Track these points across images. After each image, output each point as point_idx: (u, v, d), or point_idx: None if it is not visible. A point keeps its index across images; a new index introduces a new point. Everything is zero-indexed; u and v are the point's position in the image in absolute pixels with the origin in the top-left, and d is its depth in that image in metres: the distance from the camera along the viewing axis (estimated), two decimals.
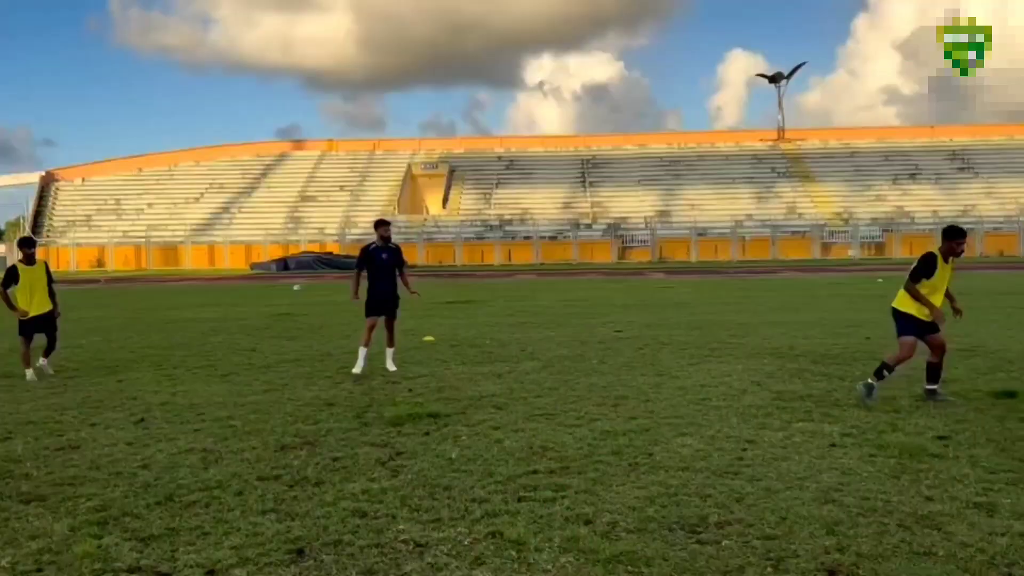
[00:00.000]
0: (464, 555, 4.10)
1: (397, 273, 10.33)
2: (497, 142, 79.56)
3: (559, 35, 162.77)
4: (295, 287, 30.62)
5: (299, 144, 79.73)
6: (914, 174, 67.33)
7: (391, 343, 10.31)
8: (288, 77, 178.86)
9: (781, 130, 75.73)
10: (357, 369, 9.79)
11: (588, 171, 71.38)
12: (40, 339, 10.41)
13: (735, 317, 16.19)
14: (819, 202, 64.27)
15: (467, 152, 76.41)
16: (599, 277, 37.92)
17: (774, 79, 77.10)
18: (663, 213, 64.04)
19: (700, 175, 69.39)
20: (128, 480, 5.53)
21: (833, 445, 6.02)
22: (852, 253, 56.53)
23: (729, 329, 13.90)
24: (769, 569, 3.83)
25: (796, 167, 69.84)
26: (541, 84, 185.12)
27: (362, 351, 9.95)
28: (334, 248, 59.40)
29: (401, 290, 10.36)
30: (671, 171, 70.63)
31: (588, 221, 63.67)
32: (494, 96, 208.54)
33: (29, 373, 10.05)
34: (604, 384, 8.75)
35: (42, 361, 10.39)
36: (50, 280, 10.60)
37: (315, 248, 59.04)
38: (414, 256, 58.98)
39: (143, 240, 62.07)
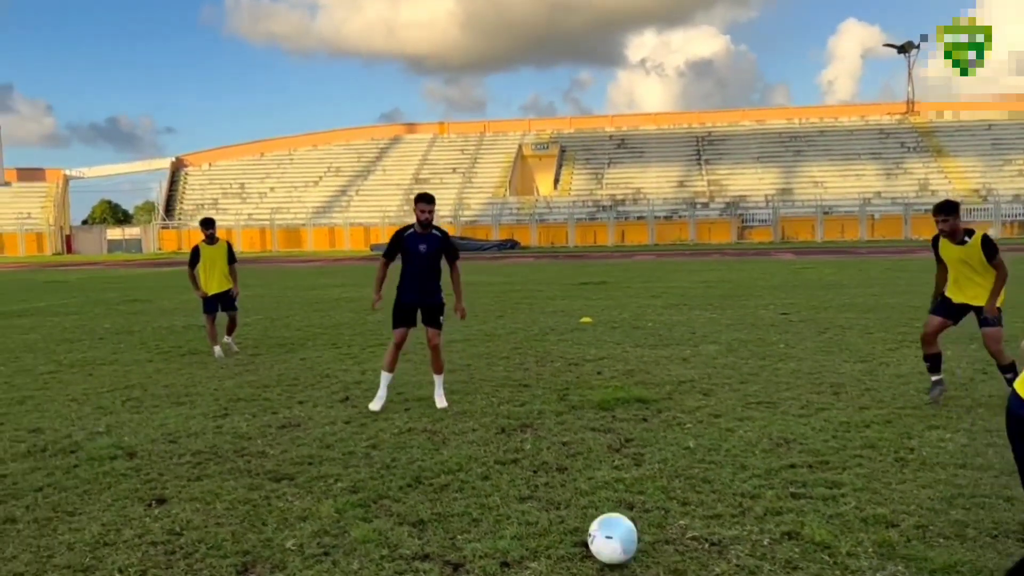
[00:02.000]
0: (770, 557, 3.77)
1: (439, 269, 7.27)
2: (607, 121, 78.34)
3: (665, 9, 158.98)
4: None
5: (411, 127, 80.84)
6: None
7: (438, 368, 7.24)
8: (391, 62, 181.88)
9: (911, 103, 71.46)
10: (375, 405, 6.97)
11: (703, 148, 69.41)
12: (223, 318, 10.72)
13: (902, 299, 15.19)
14: (954, 178, 60.40)
15: (577, 132, 75.61)
16: (723, 258, 36.79)
17: (904, 48, 72.66)
18: (784, 191, 61.61)
19: (822, 151, 66.36)
20: (365, 461, 5.48)
21: None
22: (993, 232, 52.89)
23: (903, 312, 13.01)
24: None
25: (927, 141, 65.83)
26: (643, 61, 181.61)
27: (384, 378, 7.13)
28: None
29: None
30: (791, 147, 67.82)
31: (705, 200, 61.95)
32: (595, 75, 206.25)
33: (217, 350, 10.35)
34: (808, 370, 8.24)
35: (227, 338, 10.71)
36: (231, 259, 10.87)
37: None
38: (527, 238, 58.97)
39: (267, 222, 64.42)
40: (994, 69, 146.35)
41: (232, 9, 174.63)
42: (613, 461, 5.30)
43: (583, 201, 64.03)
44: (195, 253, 10.82)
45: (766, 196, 60.84)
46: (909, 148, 65.81)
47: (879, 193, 59.35)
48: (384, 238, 58.33)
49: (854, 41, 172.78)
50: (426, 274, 7.21)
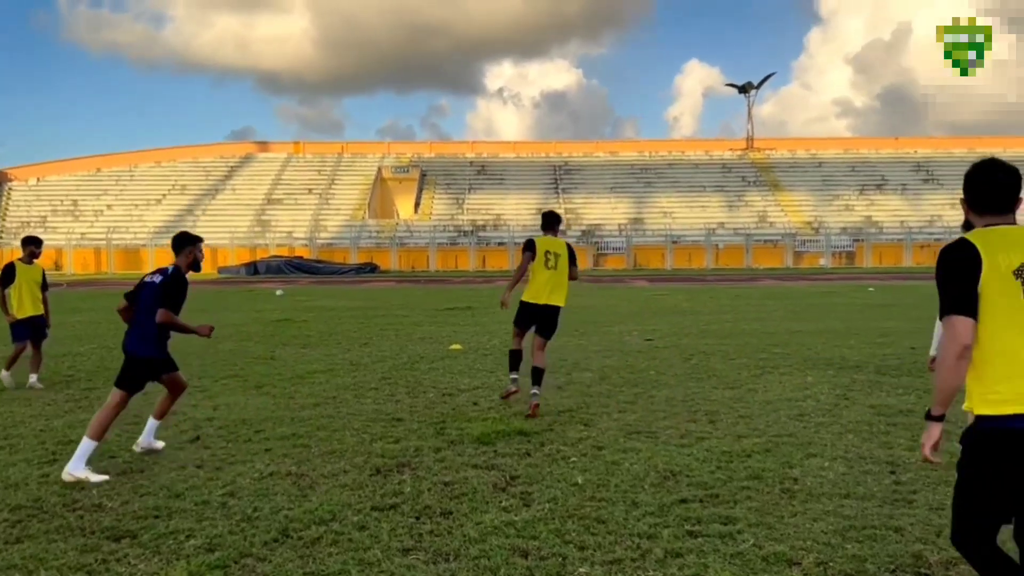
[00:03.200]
0: None
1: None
2: (468, 147, 78.83)
3: (521, 42, 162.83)
4: (278, 292, 29.63)
5: (264, 146, 78.05)
6: (880, 185, 68.36)
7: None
8: (243, 78, 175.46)
9: (750, 139, 76.36)
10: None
11: (560, 177, 71.08)
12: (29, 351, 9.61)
13: (756, 326, 15.83)
14: (789, 211, 64.88)
15: (437, 157, 75.57)
16: (582, 283, 37.50)
17: (744, 89, 77.72)
18: (636, 220, 63.99)
19: (670, 183, 69.56)
20: (222, 512, 4.86)
21: None
22: (823, 262, 57.08)
23: (760, 338, 13.51)
24: None
25: (765, 176, 70.45)
26: (501, 91, 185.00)
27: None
28: (303, 252, 58.10)
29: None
30: (642, 179, 70.67)
31: (562, 228, 63.35)
32: (453, 102, 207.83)
33: (6, 375, 9.31)
34: (681, 398, 8.24)
35: (32, 378, 9.48)
36: (44, 287, 9.82)
37: (284, 252, 57.67)
38: (386, 261, 58.04)
39: (103, 242, 60.01)
40: (824, 110, 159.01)
41: (67, 16, 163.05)
42: (501, 502, 4.95)
43: (444, 225, 63.90)
44: (9, 271, 9.65)
45: (619, 225, 63.00)
46: (749, 182, 70.16)
47: (723, 224, 62.75)
48: (232, 260, 55.72)
49: (697, 80, 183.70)
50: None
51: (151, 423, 6.46)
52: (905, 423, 6.94)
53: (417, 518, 4.70)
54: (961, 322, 2.80)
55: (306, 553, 4.19)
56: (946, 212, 63.69)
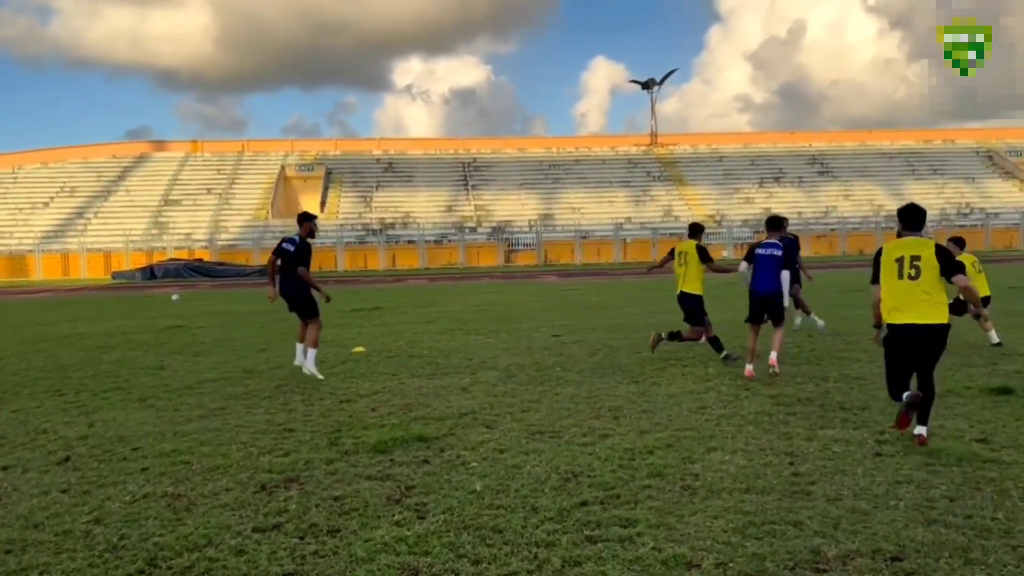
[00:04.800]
0: None
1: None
2: (374, 144, 77.55)
3: (429, 37, 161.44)
4: (174, 297, 28.31)
5: (160, 145, 74.79)
6: (778, 177, 70.79)
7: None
8: (138, 75, 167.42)
9: (654, 135, 77.83)
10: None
11: (470, 174, 70.74)
12: None
13: (663, 318, 15.95)
14: (693, 205, 66.44)
15: (343, 154, 74.03)
16: (493, 280, 37.39)
17: (647, 85, 79.09)
18: (545, 216, 64.29)
19: (578, 179, 70.23)
20: (85, 542, 4.42)
21: (879, 454, 5.64)
22: (726, 254, 58.69)
23: (666, 330, 13.58)
24: None
25: (669, 171, 71.96)
26: (409, 87, 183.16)
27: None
28: (203, 255, 55.93)
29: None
30: (550, 175, 71.09)
31: (472, 224, 63.01)
32: (361, 99, 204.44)
33: None
34: (586, 394, 8.13)
35: None
36: None
37: (183, 255, 55.36)
38: None
39: None
40: (725, 106, 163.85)
41: None
42: (393, 515, 4.68)
43: (352, 224, 62.69)
44: None
45: (529, 221, 63.18)
46: (654, 177, 71.55)
47: (629, 218, 63.77)
48: (127, 264, 53.18)
49: (603, 77, 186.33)
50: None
51: (310, 352, 9.51)
52: (804, 412, 7.01)
53: (301, 538, 4.38)
54: (875, 288, 6.24)
55: None
56: (840, 203, 66.56)
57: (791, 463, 5.48)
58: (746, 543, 4.09)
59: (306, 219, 9.81)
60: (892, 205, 63.29)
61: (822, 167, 72.83)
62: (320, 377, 9.45)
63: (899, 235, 6.34)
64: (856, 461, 5.48)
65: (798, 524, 4.33)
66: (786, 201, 67.32)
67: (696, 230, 10.59)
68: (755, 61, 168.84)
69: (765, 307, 9.03)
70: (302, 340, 9.79)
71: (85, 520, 4.77)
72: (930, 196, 65.10)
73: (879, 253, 6.17)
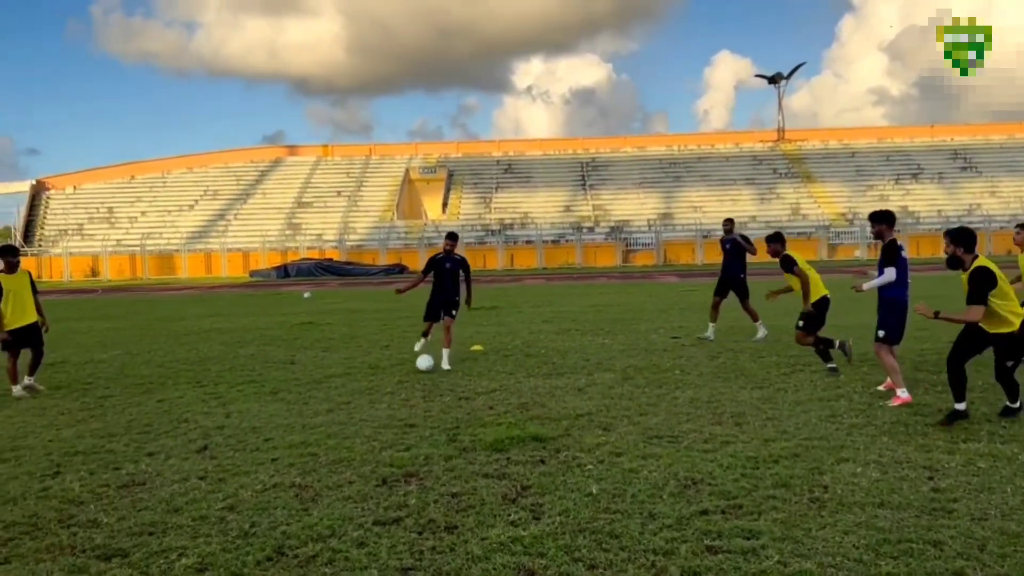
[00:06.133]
0: None
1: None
2: (494, 146, 78.63)
3: (549, 38, 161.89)
4: (305, 295, 29.65)
5: (293, 149, 78.55)
6: (916, 174, 66.87)
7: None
8: (274, 83, 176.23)
9: (781, 131, 75.12)
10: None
11: (588, 174, 70.55)
12: (26, 354, 9.61)
13: (787, 321, 15.33)
14: (822, 202, 63.73)
15: (464, 156, 75.46)
16: (610, 281, 37.08)
17: (774, 79, 76.46)
18: (665, 215, 63.28)
19: (700, 177, 68.71)
20: (219, 527, 4.66)
21: None
22: (859, 253, 55.95)
23: (791, 334, 13.04)
24: None
25: (797, 167, 69.29)
26: (529, 88, 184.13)
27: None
28: (333, 254, 58.28)
29: None
30: (670, 173, 69.91)
31: (590, 224, 62.78)
32: (482, 101, 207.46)
33: (16, 389, 9.40)
34: (706, 399, 7.91)
35: (27, 379, 9.56)
36: (34, 291, 9.79)
37: (314, 255, 57.91)
38: (415, 262, 58.01)
39: (138, 248, 60.68)
40: (858, 100, 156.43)
41: (101, 25, 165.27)
42: (509, 515, 4.69)
43: (472, 225, 63.72)
44: None
45: (648, 220, 62.33)
46: (780, 174, 69.06)
47: (754, 217, 61.76)
48: (264, 263, 56.13)
49: (728, 72, 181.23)
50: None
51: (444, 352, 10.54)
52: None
53: (420, 533, 4.45)
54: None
55: (300, 573, 3.97)
56: (985, 200, 62.19)
57: (930, 478, 5.13)
58: (880, 561, 3.85)
59: (450, 237, 11.25)
60: None
61: (965, 162, 68.22)
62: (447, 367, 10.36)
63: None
64: (1005, 478, 5.07)
65: (938, 544, 4.04)
66: (925, 198, 63.53)
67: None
68: (892, 52, 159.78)
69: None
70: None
71: (220, 507, 5.03)
72: None
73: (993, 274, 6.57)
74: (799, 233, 58.92)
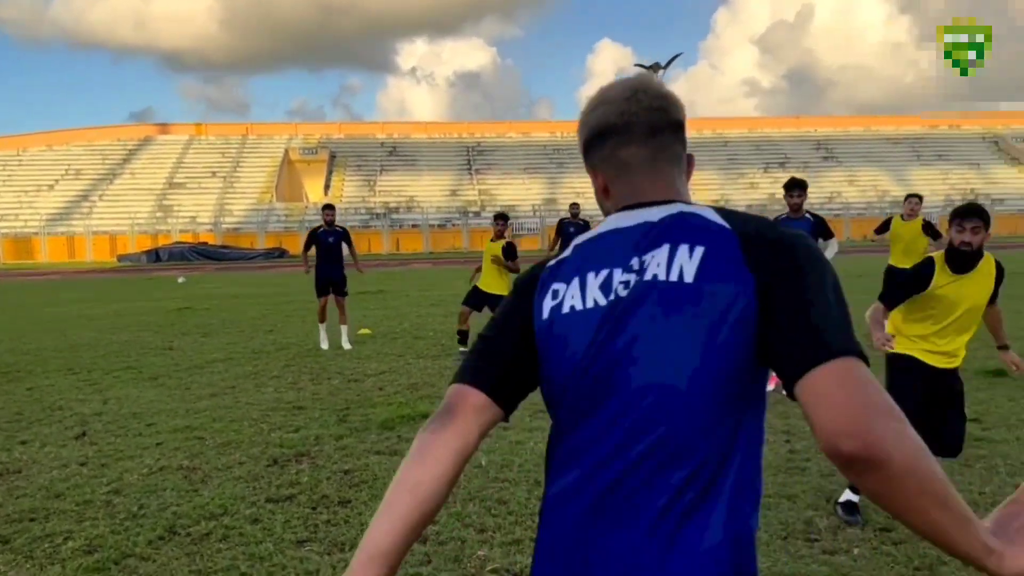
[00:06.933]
0: None
1: None
2: (378, 128, 77.57)
3: (435, 20, 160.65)
4: (180, 279, 28.54)
5: (164, 128, 74.87)
6: (783, 163, 70.70)
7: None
8: (142, 57, 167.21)
9: None
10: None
11: (473, 158, 70.78)
12: None
13: None
14: (698, 190, 66.45)
15: (347, 138, 74.08)
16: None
17: (652, 68, 78.87)
18: (549, 201, 64.35)
19: (581, 164, 70.02)
20: (106, 511, 4.60)
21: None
22: None
23: None
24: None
25: None
26: (414, 70, 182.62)
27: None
28: (208, 238, 56.13)
29: None
30: (555, 159, 71.10)
31: (476, 209, 63.11)
32: (365, 81, 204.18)
33: None
34: None
35: None
36: None
37: (188, 238, 55.59)
38: (296, 245, 56.66)
39: None
40: (732, 91, 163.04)
41: None
42: None
43: (355, 208, 62.79)
44: None
45: (533, 206, 63.26)
46: None
47: None
48: (133, 247, 53.45)
49: (609, 60, 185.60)
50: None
51: (343, 329, 10.86)
52: None
53: (314, 508, 4.55)
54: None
55: (193, 550, 3.99)
56: (844, 188, 66.47)
57: (787, 441, 5.64)
58: None
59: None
60: (897, 191, 63.23)
61: (827, 152, 72.70)
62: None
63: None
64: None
65: (792, 498, 4.49)
66: None
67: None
68: (762, 45, 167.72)
69: None
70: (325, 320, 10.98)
71: (105, 491, 4.95)
72: (935, 182, 65.04)
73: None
74: None
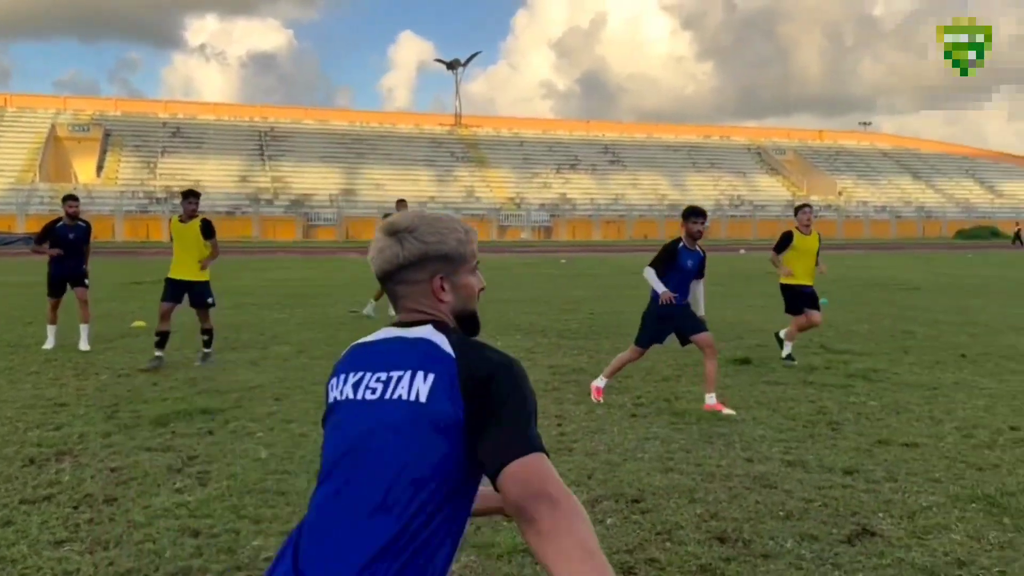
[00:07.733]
0: None
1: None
2: (161, 106, 72.52)
3: None
4: None
5: None
6: (574, 164, 74.30)
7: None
8: None
9: (458, 116, 78.83)
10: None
11: (267, 144, 68.03)
12: None
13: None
14: (494, 187, 68.15)
15: (125, 115, 68.57)
16: (290, 255, 36.45)
17: (452, 65, 79.91)
18: (347, 191, 63.30)
19: (382, 155, 69.73)
20: None
21: (634, 415, 6.38)
22: (524, 235, 60.89)
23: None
24: (668, 543, 3.91)
25: (472, 152, 73.28)
26: (203, 47, 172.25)
27: None
28: None
29: None
30: (353, 149, 70.05)
31: (269, 197, 60.73)
32: (147, 56, 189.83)
33: None
34: None
35: None
36: None
37: None
38: None
39: None
40: (530, 91, 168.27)
41: None
42: (174, 483, 4.71)
43: (133, 192, 58.36)
44: None
45: (330, 196, 61.99)
46: (458, 157, 72.55)
47: (433, 198, 64.29)
48: None
49: (411, 53, 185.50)
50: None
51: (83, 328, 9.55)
52: (576, 380, 7.69)
53: (76, 507, 4.31)
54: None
55: None
56: (628, 191, 70.93)
57: (559, 424, 6.07)
58: None
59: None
60: (675, 195, 68.48)
61: (614, 156, 77.22)
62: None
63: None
64: (614, 421, 6.17)
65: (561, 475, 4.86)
66: (580, 187, 70.76)
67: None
68: (559, 49, 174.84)
69: None
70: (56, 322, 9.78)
71: None
72: (707, 188, 71.12)
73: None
74: (473, 215, 62.51)
